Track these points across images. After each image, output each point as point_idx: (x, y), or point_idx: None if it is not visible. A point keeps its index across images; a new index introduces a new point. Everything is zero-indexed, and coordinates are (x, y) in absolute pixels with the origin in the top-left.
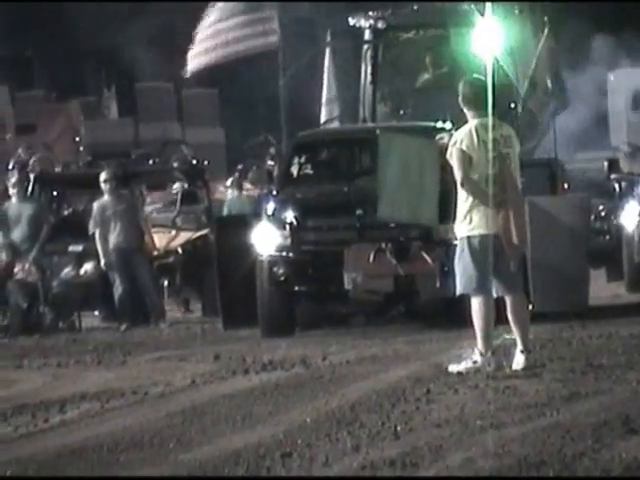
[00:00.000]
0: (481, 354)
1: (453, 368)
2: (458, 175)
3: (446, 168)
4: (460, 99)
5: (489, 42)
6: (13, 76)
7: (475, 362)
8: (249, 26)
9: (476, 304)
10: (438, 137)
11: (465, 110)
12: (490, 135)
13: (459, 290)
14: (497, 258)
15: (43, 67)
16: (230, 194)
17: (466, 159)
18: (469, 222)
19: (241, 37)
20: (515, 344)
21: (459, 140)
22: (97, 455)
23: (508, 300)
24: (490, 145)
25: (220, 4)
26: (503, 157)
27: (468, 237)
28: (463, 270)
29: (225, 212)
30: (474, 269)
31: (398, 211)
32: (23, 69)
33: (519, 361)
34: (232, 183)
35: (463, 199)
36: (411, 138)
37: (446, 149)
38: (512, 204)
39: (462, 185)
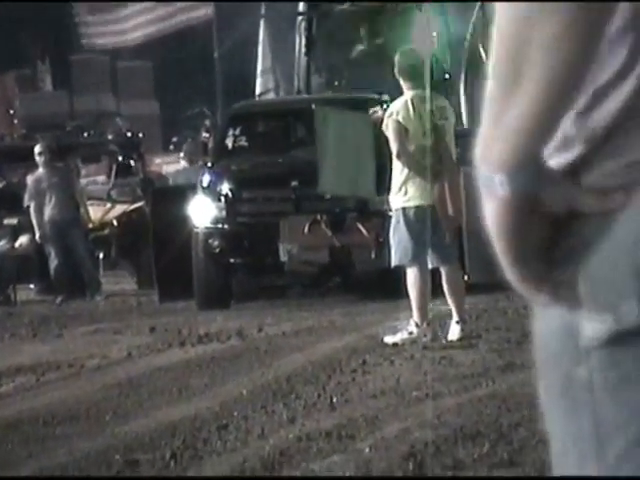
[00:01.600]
0: (417, 325)
1: (388, 339)
2: (394, 147)
3: (381, 140)
4: (396, 70)
5: (426, 14)
6: None
7: (411, 333)
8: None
9: (411, 275)
10: (372, 111)
11: (401, 81)
12: (427, 106)
13: (394, 262)
14: (432, 229)
15: None
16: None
17: (402, 131)
18: (404, 193)
19: (176, 11)
20: (450, 315)
21: (395, 111)
22: (33, 428)
23: (443, 271)
24: (426, 116)
25: None
26: (438, 128)
27: (403, 208)
28: (398, 241)
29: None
30: (409, 240)
31: (337, 184)
32: None
33: (454, 332)
34: (185, 153)
35: (398, 170)
36: (346, 112)
37: (381, 122)
38: (447, 175)
39: (398, 157)
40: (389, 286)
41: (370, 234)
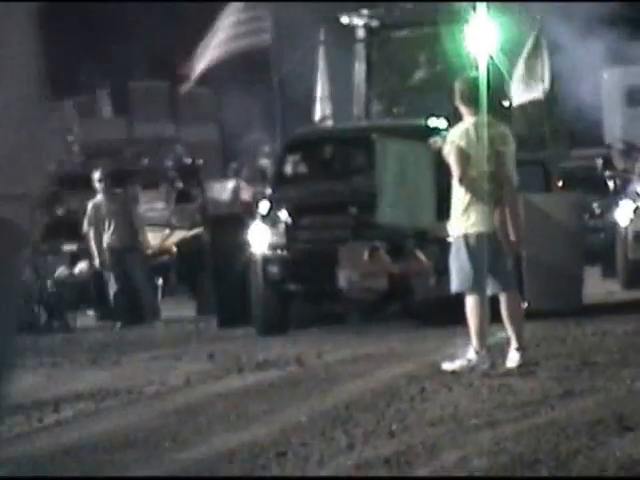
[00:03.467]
0: (475, 352)
1: (447, 366)
2: (456, 172)
3: (441, 169)
4: (457, 97)
5: (483, 39)
6: None
7: (469, 360)
8: (242, 25)
9: (471, 302)
10: (432, 140)
11: (461, 108)
12: (486, 132)
13: (454, 288)
14: (493, 256)
15: (37, 65)
16: None
17: (463, 156)
18: (466, 220)
19: (234, 36)
20: (509, 342)
21: (456, 138)
22: (91, 455)
23: (502, 298)
24: (486, 142)
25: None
26: (499, 155)
27: (465, 235)
28: (459, 268)
29: None
30: (470, 267)
31: (397, 215)
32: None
33: (513, 359)
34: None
35: (460, 197)
36: (406, 142)
37: (440, 151)
38: (508, 202)
39: (460, 182)
40: (448, 313)
41: (429, 261)
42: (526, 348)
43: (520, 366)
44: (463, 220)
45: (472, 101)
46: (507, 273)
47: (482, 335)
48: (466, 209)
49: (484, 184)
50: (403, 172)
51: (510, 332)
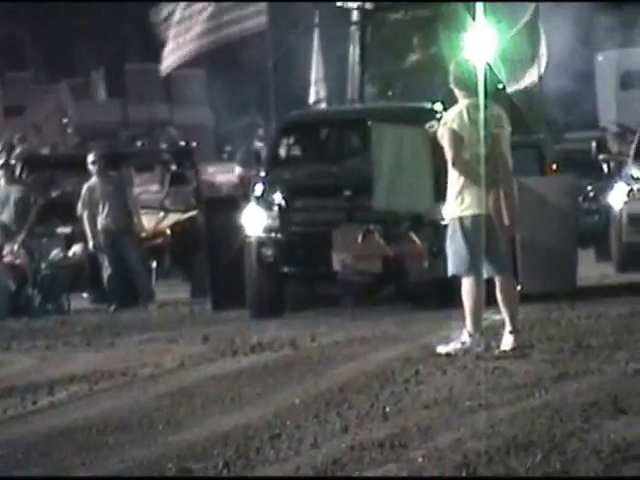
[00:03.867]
0: (470, 335)
1: (442, 349)
2: (449, 155)
3: (438, 153)
4: (450, 79)
5: (478, 22)
6: (4, 57)
7: (464, 343)
8: (238, 9)
9: (467, 285)
10: (428, 125)
11: (456, 91)
12: (481, 115)
13: (450, 271)
14: (487, 238)
15: (35, 48)
16: None
17: (457, 139)
18: (461, 202)
19: (230, 20)
20: (503, 325)
21: (450, 120)
22: (86, 437)
23: (497, 280)
24: (481, 125)
25: None
26: (494, 137)
27: (460, 217)
28: (455, 251)
29: None
30: (466, 250)
31: (394, 201)
32: (16, 49)
33: (507, 342)
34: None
35: (454, 179)
36: (402, 127)
37: (436, 135)
38: (503, 184)
39: (453, 164)
40: (442, 296)
41: (423, 244)
42: (520, 331)
43: (514, 349)
44: (457, 203)
45: (466, 84)
46: (502, 256)
47: (477, 318)
48: (460, 192)
49: (478, 166)
50: (399, 157)
51: (505, 315)
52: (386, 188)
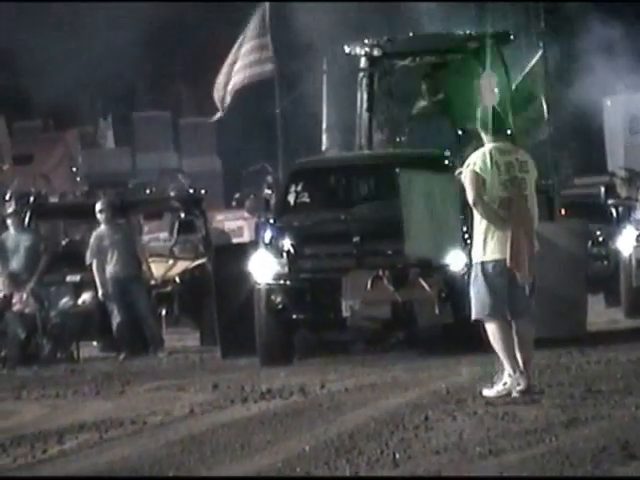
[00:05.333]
0: (510, 375)
1: (487, 392)
2: (470, 195)
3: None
4: (477, 123)
5: (485, 68)
6: (11, 106)
7: (505, 384)
8: (246, 56)
9: (491, 328)
10: (457, 172)
11: (482, 134)
12: (505, 158)
13: (474, 315)
14: (509, 282)
15: (41, 96)
16: None
17: (479, 181)
18: (483, 247)
19: (239, 68)
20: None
21: (472, 162)
22: None
23: (516, 324)
24: (503, 168)
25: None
26: (518, 181)
27: (482, 262)
28: (477, 295)
29: None
30: (488, 294)
31: (425, 248)
32: (21, 99)
33: (520, 384)
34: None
35: (477, 223)
36: (431, 176)
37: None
38: (526, 229)
39: (474, 205)
40: (452, 341)
41: (432, 289)
42: (530, 376)
43: (524, 391)
44: (480, 247)
45: (492, 127)
46: (524, 300)
47: (511, 357)
48: (484, 236)
49: (500, 210)
50: (429, 205)
51: (519, 357)
52: (417, 235)
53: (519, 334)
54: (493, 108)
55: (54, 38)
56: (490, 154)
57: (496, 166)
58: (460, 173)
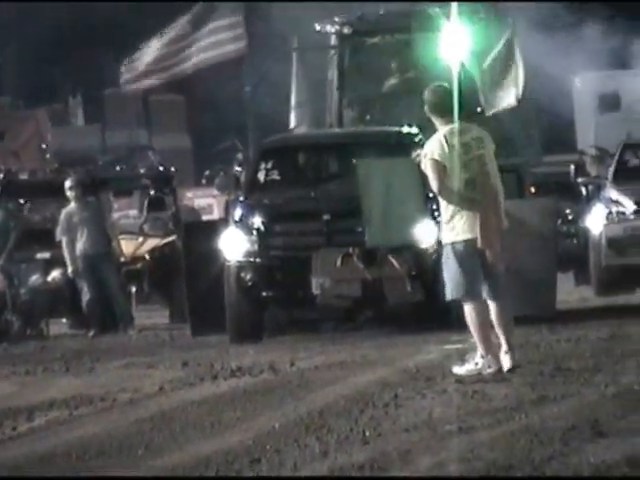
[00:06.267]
0: (482, 357)
1: (457, 370)
2: (434, 185)
3: (426, 181)
4: (426, 107)
5: (455, 46)
6: None
7: (477, 364)
8: (217, 33)
9: (468, 309)
10: (414, 154)
11: (432, 118)
12: (461, 139)
13: (448, 296)
14: (481, 263)
15: (11, 74)
16: None
17: (440, 168)
18: (451, 229)
19: (209, 45)
20: (499, 346)
21: (430, 151)
22: (65, 462)
23: (492, 305)
24: (461, 150)
25: (188, 16)
26: (478, 159)
27: (452, 243)
28: (450, 276)
29: None
30: (461, 275)
31: (388, 236)
32: None
33: (505, 361)
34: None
35: (444, 206)
36: (389, 161)
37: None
38: (492, 207)
39: (439, 194)
40: (421, 319)
41: (402, 267)
42: (515, 350)
43: (512, 368)
44: (449, 229)
45: (442, 110)
46: (496, 280)
47: (486, 339)
48: (451, 218)
49: (466, 191)
50: (389, 192)
51: (500, 336)
52: (379, 224)
53: (497, 315)
54: (442, 89)
55: (22, 15)
56: (445, 138)
57: (453, 150)
58: (418, 155)
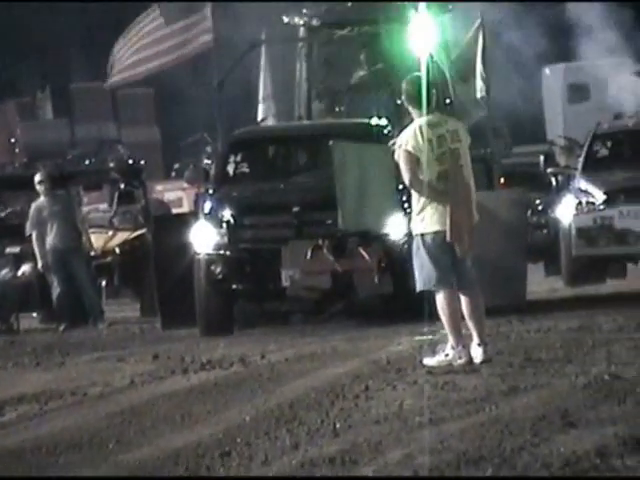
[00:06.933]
0: (452, 347)
1: (427, 361)
2: (406, 177)
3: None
4: (403, 98)
5: (424, 38)
6: None
7: (447, 355)
8: (185, 32)
9: (439, 300)
10: (391, 142)
11: (410, 109)
12: (437, 131)
13: (419, 286)
14: (452, 253)
15: None
16: None
17: (413, 160)
18: (422, 219)
19: (178, 44)
20: (471, 337)
21: (404, 142)
22: (36, 457)
23: (462, 295)
24: (436, 142)
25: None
26: (452, 152)
27: (422, 234)
28: (421, 267)
29: None
30: (431, 265)
31: (361, 221)
32: None
33: (477, 354)
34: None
35: (416, 197)
36: (365, 146)
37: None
38: (463, 200)
39: (411, 186)
40: (391, 311)
41: (372, 259)
42: (488, 343)
43: (484, 361)
44: (419, 220)
45: (419, 101)
46: (467, 270)
47: (457, 330)
48: (422, 209)
49: (438, 184)
50: (363, 176)
51: (471, 328)
52: (353, 208)
53: (468, 306)
54: (419, 80)
55: None
56: (420, 130)
57: (428, 142)
58: (394, 144)
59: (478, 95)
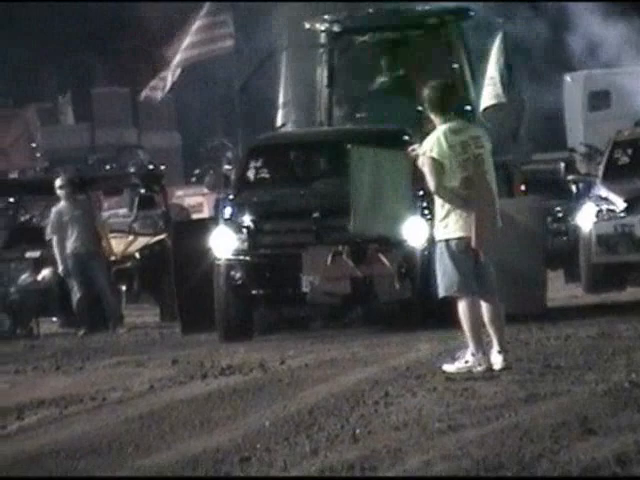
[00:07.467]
0: (472, 354)
1: (447, 368)
2: (431, 184)
3: (417, 177)
4: (425, 104)
5: (445, 44)
6: None
7: (467, 362)
8: (205, 31)
9: (461, 306)
10: (410, 148)
11: (432, 116)
12: (459, 138)
13: (441, 292)
14: (477, 261)
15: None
16: None
17: (437, 167)
18: (445, 226)
19: (197, 42)
20: (491, 345)
21: (428, 149)
22: (55, 461)
23: (484, 302)
24: (460, 148)
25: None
26: (476, 158)
27: (446, 240)
28: (443, 273)
29: None
30: (455, 271)
31: (372, 226)
32: None
33: (497, 361)
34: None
35: (440, 203)
36: (382, 151)
37: (416, 160)
38: (487, 206)
39: (436, 193)
40: (411, 317)
41: (392, 265)
42: (508, 350)
43: (504, 368)
44: (442, 226)
45: (442, 108)
46: (489, 277)
47: (477, 337)
48: (446, 215)
49: (463, 190)
50: (379, 180)
51: (492, 335)
52: (365, 212)
53: (489, 313)
54: (442, 87)
55: (13, 15)
56: (445, 136)
57: (452, 148)
58: (413, 150)
59: (501, 100)
